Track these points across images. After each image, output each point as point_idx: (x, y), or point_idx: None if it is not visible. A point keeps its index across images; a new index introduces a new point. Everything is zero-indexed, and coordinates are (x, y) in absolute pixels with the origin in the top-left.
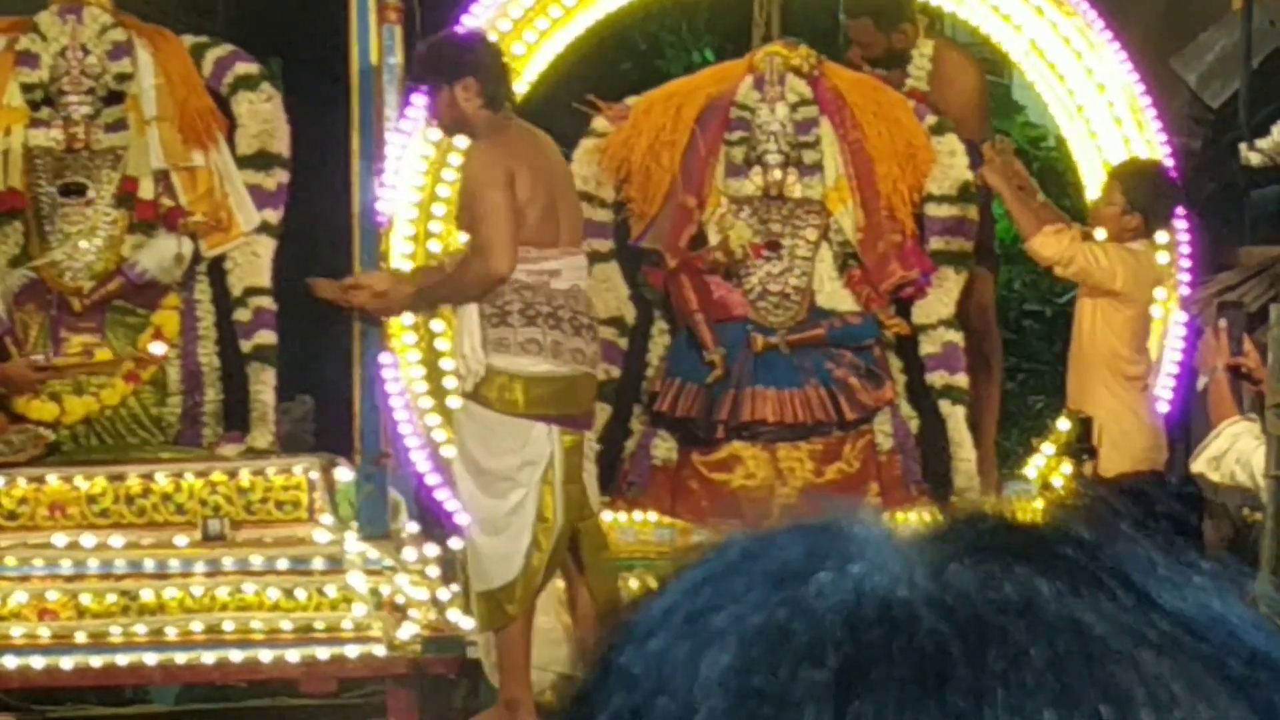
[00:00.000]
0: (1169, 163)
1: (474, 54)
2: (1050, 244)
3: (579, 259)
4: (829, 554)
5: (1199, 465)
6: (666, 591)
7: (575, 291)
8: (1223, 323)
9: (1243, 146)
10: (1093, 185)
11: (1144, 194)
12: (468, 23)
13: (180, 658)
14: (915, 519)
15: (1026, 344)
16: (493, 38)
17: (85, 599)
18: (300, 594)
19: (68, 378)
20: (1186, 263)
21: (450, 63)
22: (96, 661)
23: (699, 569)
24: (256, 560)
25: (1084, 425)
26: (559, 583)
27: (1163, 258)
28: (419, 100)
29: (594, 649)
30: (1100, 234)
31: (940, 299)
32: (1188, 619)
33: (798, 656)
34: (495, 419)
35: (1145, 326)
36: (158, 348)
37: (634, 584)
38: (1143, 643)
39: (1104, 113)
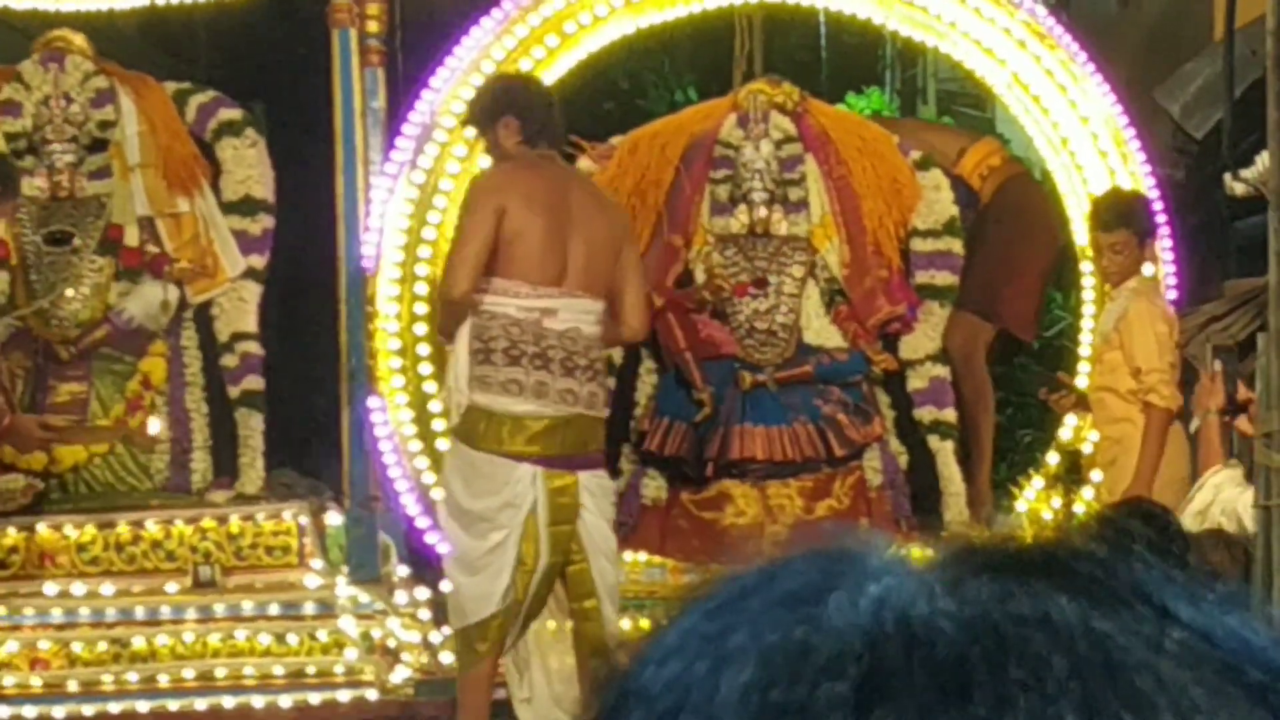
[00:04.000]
0: (1153, 194)
1: (516, 94)
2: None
3: (586, 303)
4: (844, 576)
5: (1186, 521)
6: (682, 617)
7: (575, 334)
8: (1218, 365)
9: (1227, 177)
10: (1078, 218)
11: (1142, 217)
12: (451, 65)
13: (173, 704)
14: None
15: (1014, 378)
16: (542, 80)
17: (77, 647)
18: (292, 639)
19: (69, 440)
20: (1173, 294)
21: (495, 102)
22: (89, 710)
23: (714, 595)
24: (248, 606)
25: (1072, 458)
26: (568, 622)
27: (1147, 269)
28: (403, 143)
29: (609, 676)
30: (1148, 268)
31: (926, 334)
32: (1205, 630)
33: (818, 671)
34: (479, 458)
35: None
36: (154, 425)
37: (625, 624)
38: (1162, 652)
39: (1088, 145)
